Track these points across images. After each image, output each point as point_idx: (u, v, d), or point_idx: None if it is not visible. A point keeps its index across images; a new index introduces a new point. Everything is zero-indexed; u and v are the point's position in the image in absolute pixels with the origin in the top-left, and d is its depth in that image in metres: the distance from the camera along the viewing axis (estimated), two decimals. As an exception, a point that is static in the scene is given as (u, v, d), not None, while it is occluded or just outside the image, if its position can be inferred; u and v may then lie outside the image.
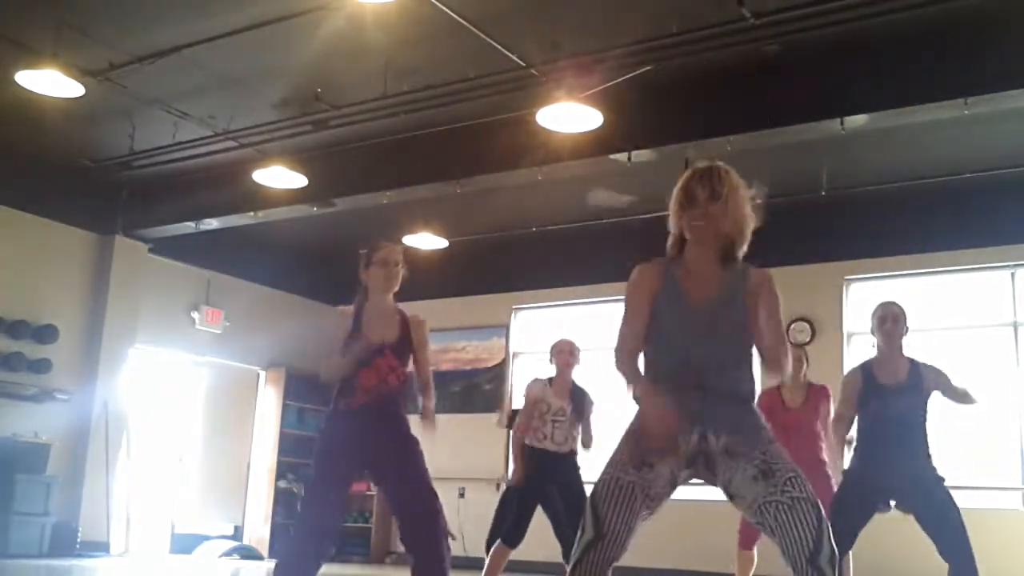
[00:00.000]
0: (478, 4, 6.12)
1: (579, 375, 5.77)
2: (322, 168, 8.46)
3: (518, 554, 5.78)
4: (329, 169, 8.55)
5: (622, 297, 2.67)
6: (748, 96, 6.81)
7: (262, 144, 8.36)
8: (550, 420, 5.54)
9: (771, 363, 2.57)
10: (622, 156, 7.34)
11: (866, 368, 4.44)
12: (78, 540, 8.87)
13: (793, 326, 9.28)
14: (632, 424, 2.57)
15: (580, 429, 5.66)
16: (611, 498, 2.43)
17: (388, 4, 5.87)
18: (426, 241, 9.81)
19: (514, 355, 10.93)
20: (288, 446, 11.26)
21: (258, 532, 11.02)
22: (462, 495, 9.79)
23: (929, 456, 4.22)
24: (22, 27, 6.59)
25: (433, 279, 9.12)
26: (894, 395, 4.26)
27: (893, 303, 4.48)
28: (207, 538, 10.56)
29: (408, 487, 3.75)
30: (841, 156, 7.88)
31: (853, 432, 4.54)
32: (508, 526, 5.56)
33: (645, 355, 2.63)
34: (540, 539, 5.99)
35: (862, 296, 9.00)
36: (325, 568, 3.82)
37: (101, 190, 9.63)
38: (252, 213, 9.20)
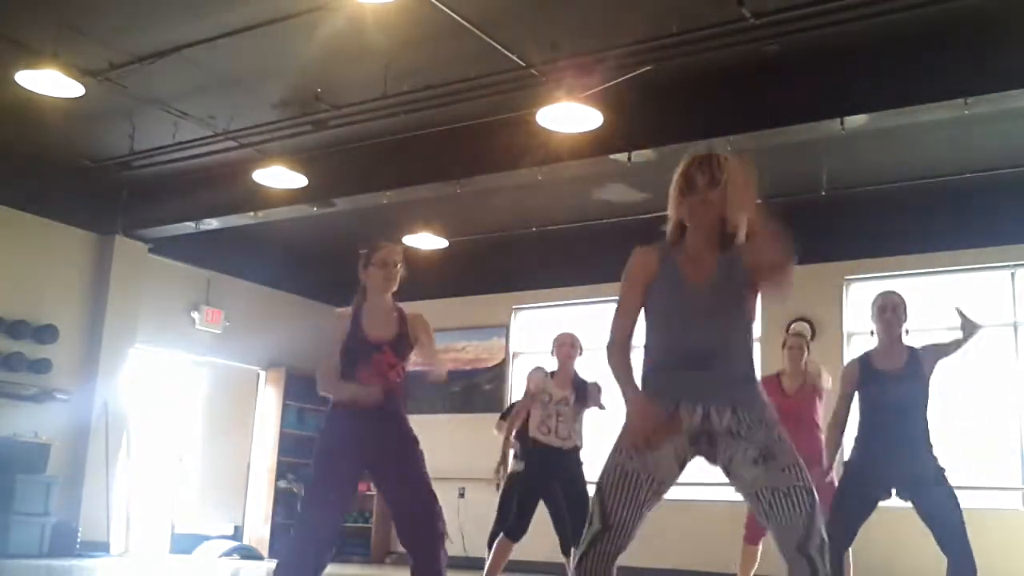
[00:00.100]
0: (478, 5, 6.13)
1: (582, 368, 5.76)
2: (322, 168, 8.46)
3: (519, 554, 5.78)
4: (329, 169, 8.55)
5: (620, 288, 2.67)
6: (748, 96, 6.80)
7: (262, 144, 8.36)
8: (554, 412, 5.51)
9: (773, 275, 2.54)
10: (622, 156, 7.34)
11: (864, 358, 4.44)
12: (78, 540, 8.87)
13: (793, 326, 9.28)
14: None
15: (581, 422, 5.63)
16: (617, 488, 2.44)
17: (388, 4, 5.87)
18: (426, 241, 9.81)
19: (514, 355, 10.93)
20: (288, 446, 11.26)
21: (258, 532, 11.02)
22: (462, 495, 9.79)
23: (931, 445, 4.19)
24: (22, 27, 6.59)
25: (433, 279, 9.13)
26: (892, 381, 4.26)
27: (893, 293, 4.49)
28: (207, 538, 10.56)
29: (408, 487, 3.75)
30: (841, 156, 7.88)
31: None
32: (511, 519, 5.55)
33: (645, 344, 2.62)
34: (540, 539, 6.00)
35: (862, 296, 9.00)
36: (326, 568, 3.80)
37: (101, 190, 9.63)
38: (252, 213, 9.20)
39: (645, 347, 2.62)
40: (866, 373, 4.35)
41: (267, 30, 6.41)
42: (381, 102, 7.42)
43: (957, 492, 4.12)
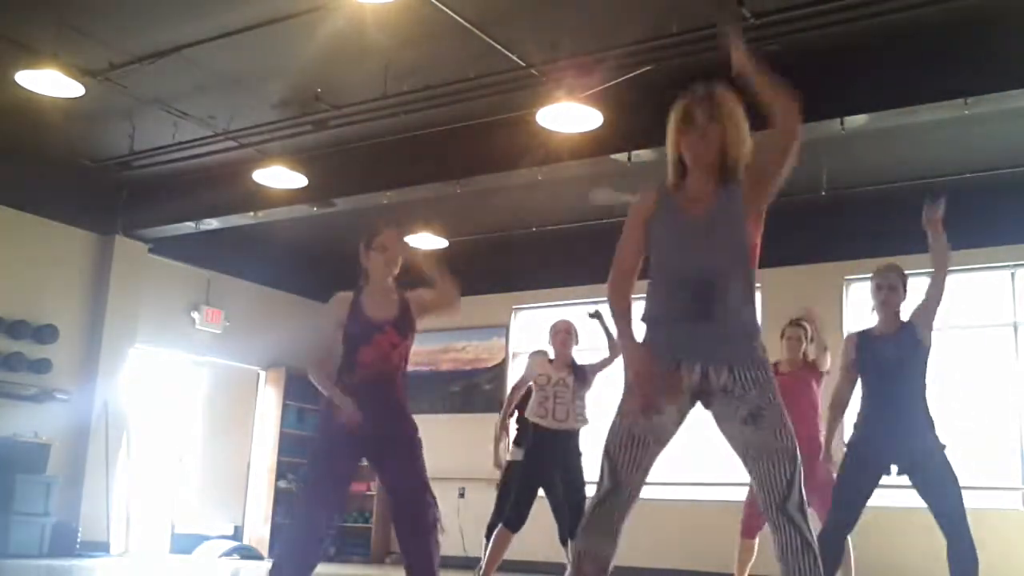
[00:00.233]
0: (478, 4, 6.13)
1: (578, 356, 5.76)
2: (322, 168, 8.46)
3: (518, 553, 5.78)
4: (329, 169, 8.55)
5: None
6: (748, 96, 6.79)
7: (262, 144, 8.36)
8: (551, 394, 5.50)
9: (784, 122, 2.60)
10: (622, 156, 7.34)
11: (862, 330, 4.51)
12: (78, 540, 8.88)
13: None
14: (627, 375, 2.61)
15: (584, 404, 5.62)
16: (626, 449, 2.49)
17: (388, 4, 5.87)
18: (426, 241, 9.81)
19: (514, 355, 10.92)
20: (288, 446, 11.26)
21: (258, 532, 11.02)
22: (462, 495, 9.79)
23: (931, 421, 4.18)
24: (22, 27, 6.60)
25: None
26: (888, 344, 4.30)
27: (891, 271, 4.54)
28: (207, 538, 10.56)
29: (403, 476, 3.76)
30: (841, 156, 7.87)
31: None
32: (510, 509, 5.53)
33: (647, 290, 2.64)
34: (540, 539, 6.00)
35: (862, 296, 8.99)
36: (326, 568, 3.81)
37: (101, 190, 9.63)
38: (252, 213, 9.20)
39: (647, 293, 2.64)
40: (863, 341, 4.41)
41: (267, 30, 6.41)
42: (381, 102, 7.42)
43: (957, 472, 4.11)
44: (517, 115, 7.31)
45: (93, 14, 6.46)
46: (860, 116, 6.61)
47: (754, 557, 5.84)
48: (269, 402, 11.45)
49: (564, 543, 5.60)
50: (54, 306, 9.37)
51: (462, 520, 9.15)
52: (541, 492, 5.64)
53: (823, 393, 5.65)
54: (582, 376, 5.59)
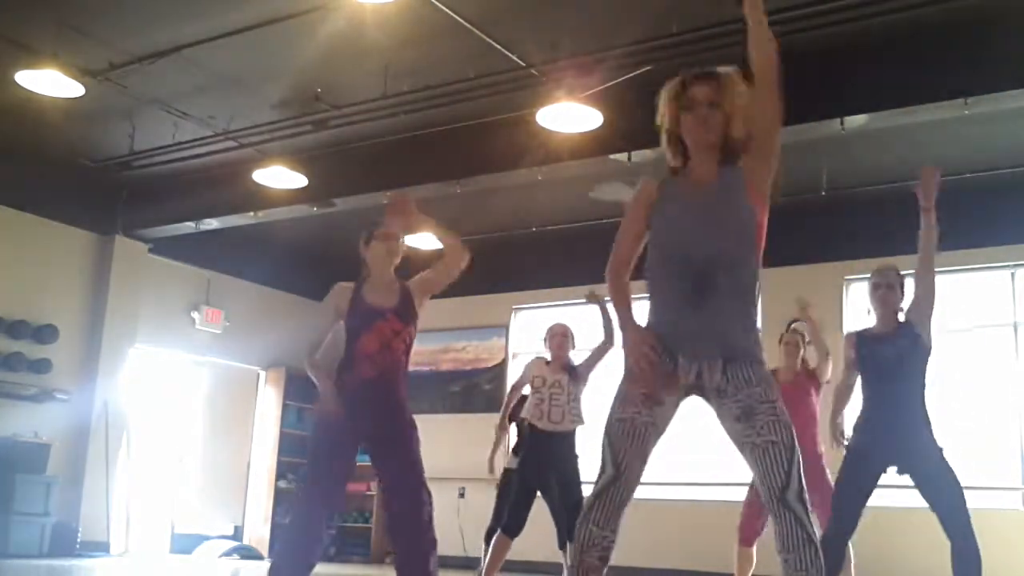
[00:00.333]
0: (478, 4, 6.13)
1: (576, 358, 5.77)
2: (322, 168, 8.46)
3: (519, 554, 5.77)
4: (329, 169, 8.55)
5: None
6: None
7: (262, 144, 8.36)
8: (547, 396, 5.50)
9: (762, 65, 2.55)
10: (622, 156, 7.35)
11: (862, 329, 4.51)
12: (78, 540, 8.88)
13: (793, 326, 9.26)
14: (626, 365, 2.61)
15: (580, 404, 5.62)
16: (627, 438, 2.49)
17: (388, 4, 5.88)
18: (426, 241, 9.80)
19: (514, 355, 10.92)
20: (288, 446, 11.26)
21: (258, 532, 11.02)
22: (462, 495, 9.79)
23: (929, 424, 4.18)
24: (22, 27, 6.60)
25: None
26: (885, 342, 4.30)
27: (889, 270, 4.56)
28: (207, 538, 10.56)
29: (399, 473, 3.76)
30: (841, 156, 7.88)
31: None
32: (507, 514, 5.53)
33: (647, 275, 2.62)
34: (540, 539, 6.00)
35: (862, 296, 8.99)
36: (326, 568, 3.82)
37: (101, 190, 9.63)
38: (252, 213, 9.20)
39: (648, 279, 2.63)
40: (862, 340, 4.41)
41: (267, 30, 6.41)
42: (381, 102, 7.42)
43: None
44: (517, 115, 7.31)
45: (93, 14, 6.46)
46: (860, 116, 6.61)
47: (753, 566, 5.85)
48: (269, 402, 11.45)
49: (563, 547, 5.60)
50: (54, 306, 9.37)
51: (462, 520, 9.16)
52: (540, 494, 5.64)
53: (822, 401, 5.66)
54: (576, 376, 5.59)
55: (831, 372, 5.69)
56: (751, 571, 5.89)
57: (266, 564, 4.24)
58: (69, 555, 8.67)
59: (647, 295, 2.63)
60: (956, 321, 8.73)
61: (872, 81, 6.45)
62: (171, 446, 10.78)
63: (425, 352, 10.86)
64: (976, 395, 8.50)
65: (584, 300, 5.98)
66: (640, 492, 2.57)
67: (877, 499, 4.30)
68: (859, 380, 4.45)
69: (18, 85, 6.58)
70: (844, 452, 4.37)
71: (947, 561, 3.99)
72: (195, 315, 10.65)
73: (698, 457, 8.57)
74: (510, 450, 6.34)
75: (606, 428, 2.53)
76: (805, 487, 2.41)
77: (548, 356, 5.67)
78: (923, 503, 4.13)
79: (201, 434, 10.99)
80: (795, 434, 2.48)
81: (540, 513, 5.68)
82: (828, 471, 5.37)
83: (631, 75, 6.63)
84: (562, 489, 5.49)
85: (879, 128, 6.96)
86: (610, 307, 5.52)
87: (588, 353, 5.69)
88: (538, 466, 5.50)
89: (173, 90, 7.58)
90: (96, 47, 6.79)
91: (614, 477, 2.47)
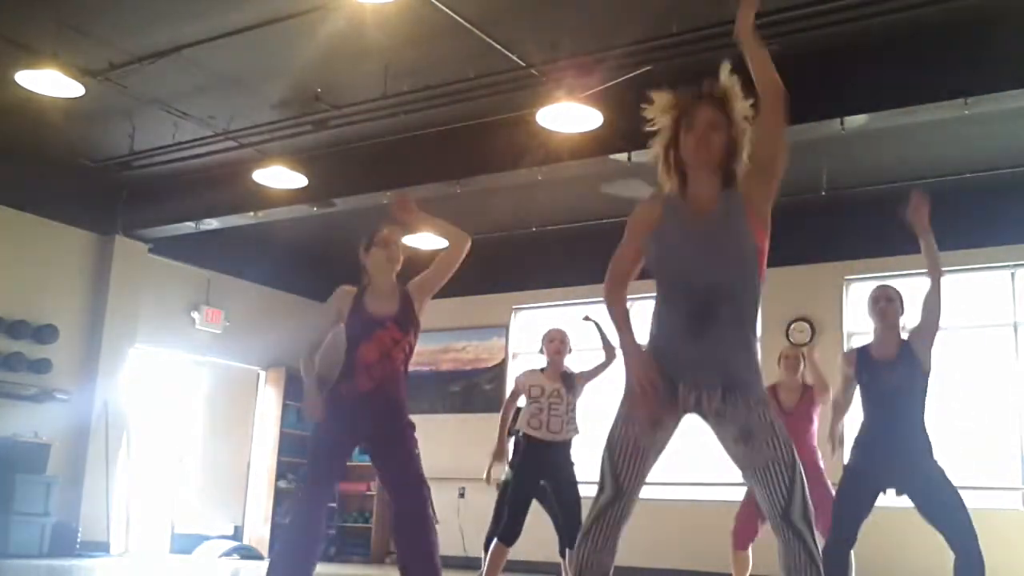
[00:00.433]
0: (478, 4, 6.13)
1: (572, 365, 5.75)
2: (322, 168, 8.46)
3: (519, 554, 5.77)
4: (329, 169, 8.55)
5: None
6: (748, 96, 6.79)
7: (262, 144, 8.36)
8: (546, 405, 5.47)
9: (768, 92, 2.58)
10: (622, 156, 7.34)
11: (862, 348, 4.46)
12: (78, 540, 8.88)
13: (793, 326, 9.28)
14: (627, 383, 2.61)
15: (576, 415, 5.61)
16: (626, 455, 2.49)
17: (388, 4, 5.88)
18: (426, 241, 9.81)
19: (514, 355, 10.93)
20: (288, 446, 11.26)
21: (258, 532, 11.02)
22: (462, 495, 9.79)
23: (929, 446, 4.18)
24: (22, 27, 6.59)
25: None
26: (886, 369, 4.25)
27: (888, 286, 4.53)
28: (207, 538, 10.56)
29: (400, 472, 3.78)
30: (841, 156, 7.88)
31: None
32: (504, 523, 5.53)
33: (656, 296, 2.61)
34: (540, 539, 5.99)
35: (862, 296, 8.98)
36: (326, 568, 3.83)
37: (101, 190, 9.63)
38: (252, 213, 9.20)
39: (653, 311, 2.62)
40: (863, 362, 4.37)
41: (267, 30, 6.41)
42: (381, 102, 7.42)
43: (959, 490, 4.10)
44: (517, 115, 7.31)
45: (93, 14, 6.46)
46: (860, 116, 6.61)
47: (749, 568, 5.85)
48: (269, 402, 11.45)
49: (563, 553, 5.60)
50: (54, 306, 9.36)
51: (462, 520, 9.16)
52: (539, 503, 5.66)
53: (821, 414, 5.68)
54: (573, 386, 5.57)
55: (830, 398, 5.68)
56: (747, 574, 5.90)
57: (266, 564, 4.25)
58: (69, 555, 8.67)
59: (652, 314, 2.62)
60: (956, 321, 8.73)
61: (872, 81, 6.45)
62: (171, 446, 10.78)
63: (425, 352, 10.85)
64: (976, 395, 8.50)
65: (583, 319, 5.96)
66: (640, 492, 2.58)
67: (879, 499, 4.29)
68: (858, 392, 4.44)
69: (18, 85, 6.58)
70: (843, 465, 4.37)
71: (948, 561, 4.00)
72: (195, 315, 10.65)
73: (698, 457, 8.57)
74: (508, 464, 6.32)
75: (606, 447, 2.53)
76: (810, 505, 2.39)
77: (544, 362, 5.66)
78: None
79: (201, 434, 10.99)
80: (796, 451, 2.48)
81: (540, 514, 5.68)
82: (829, 481, 5.37)
83: (631, 75, 6.63)
84: (560, 499, 5.48)
85: (879, 128, 6.96)
86: (607, 325, 5.60)
87: (588, 366, 5.66)
88: (534, 476, 5.49)
89: (173, 90, 7.58)
90: (96, 47, 6.79)
91: (614, 497, 2.47)
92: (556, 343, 5.62)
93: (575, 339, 5.80)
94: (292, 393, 11.30)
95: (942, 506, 4.03)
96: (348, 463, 4.10)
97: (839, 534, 4.18)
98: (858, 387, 4.42)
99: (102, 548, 9.24)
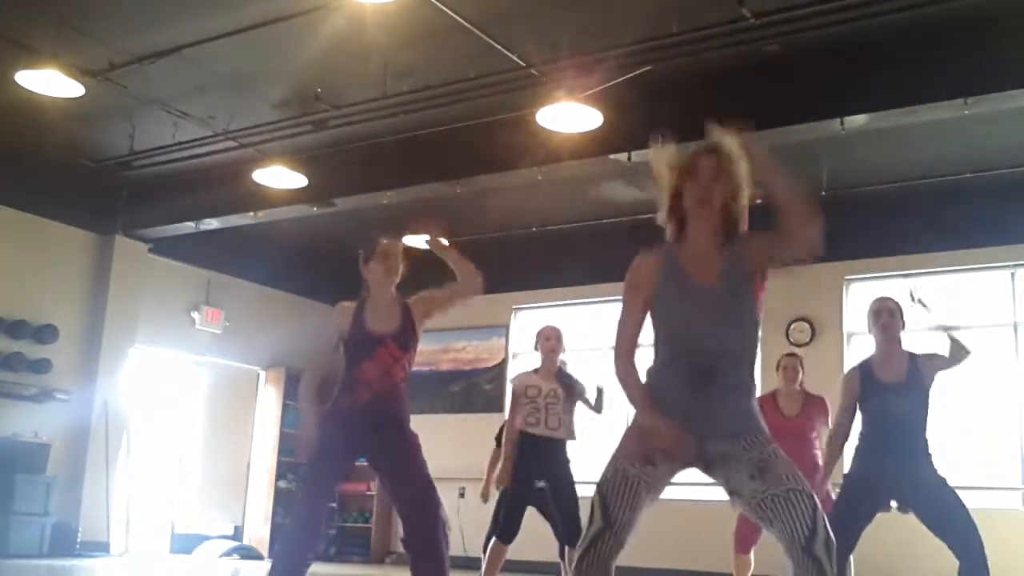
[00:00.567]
0: (478, 4, 6.13)
1: (570, 365, 5.75)
2: (322, 168, 8.46)
3: (518, 554, 5.77)
4: (329, 169, 8.55)
5: (622, 297, 2.66)
6: (748, 96, 6.80)
7: (262, 144, 8.36)
8: (543, 405, 5.47)
9: (797, 238, 2.49)
10: (622, 156, 7.34)
11: (865, 366, 4.37)
12: (78, 540, 8.88)
13: (793, 326, 9.28)
14: (635, 421, 2.57)
15: (573, 415, 5.61)
16: (619, 490, 2.46)
17: (388, 4, 5.87)
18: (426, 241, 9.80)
19: (514, 355, 10.93)
20: (288, 446, 11.23)
21: (258, 532, 11.02)
22: (462, 495, 9.78)
23: (930, 455, 4.18)
24: (22, 27, 6.59)
25: (433, 279, 9.12)
26: (895, 394, 4.20)
27: (888, 298, 4.41)
28: (207, 538, 10.56)
29: (407, 476, 3.76)
30: (841, 156, 7.88)
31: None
32: (501, 522, 5.53)
33: (655, 350, 2.61)
34: (540, 539, 5.99)
35: (862, 296, 9.00)
36: (326, 568, 3.83)
37: (101, 190, 9.63)
38: (252, 213, 9.20)
39: (654, 354, 2.62)
40: (867, 384, 4.29)
41: (267, 30, 6.41)
42: (381, 102, 7.42)
43: (957, 492, 4.10)
44: (517, 115, 7.30)
45: (93, 14, 6.46)
46: (860, 116, 6.61)
47: (751, 570, 5.85)
48: (269, 402, 11.45)
49: (562, 555, 5.60)
50: (54, 306, 9.36)
51: (462, 520, 9.15)
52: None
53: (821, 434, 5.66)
54: (570, 391, 5.58)
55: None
56: (749, 574, 5.90)
57: (266, 564, 4.25)
58: (69, 555, 8.67)
59: (652, 365, 2.61)
60: (956, 321, 8.72)
61: (872, 81, 6.45)
62: (171, 446, 10.78)
63: (425, 352, 10.84)
64: (976, 395, 8.50)
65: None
66: (634, 528, 2.53)
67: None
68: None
69: (18, 85, 6.58)
70: (844, 473, 4.36)
71: (948, 561, 4.00)
72: (195, 315, 10.65)
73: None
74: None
75: (599, 483, 2.51)
76: (832, 536, 2.35)
77: (538, 360, 5.66)
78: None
79: (201, 434, 10.98)
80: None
81: (539, 514, 5.68)
82: (830, 483, 5.36)
83: (631, 75, 6.63)
84: (557, 499, 5.47)
85: (879, 128, 6.95)
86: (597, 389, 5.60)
87: (586, 395, 5.68)
88: (532, 472, 5.48)
89: (173, 90, 7.58)
90: (96, 47, 6.79)
91: (603, 529, 2.44)
92: (552, 341, 5.62)
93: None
94: (292, 393, 11.28)
95: (949, 522, 4.01)
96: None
97: (838, 539, 4.16)
98: (860, 407, 4.36)
99: (102, 548, 9.24)
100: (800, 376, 5.85)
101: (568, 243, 10.09)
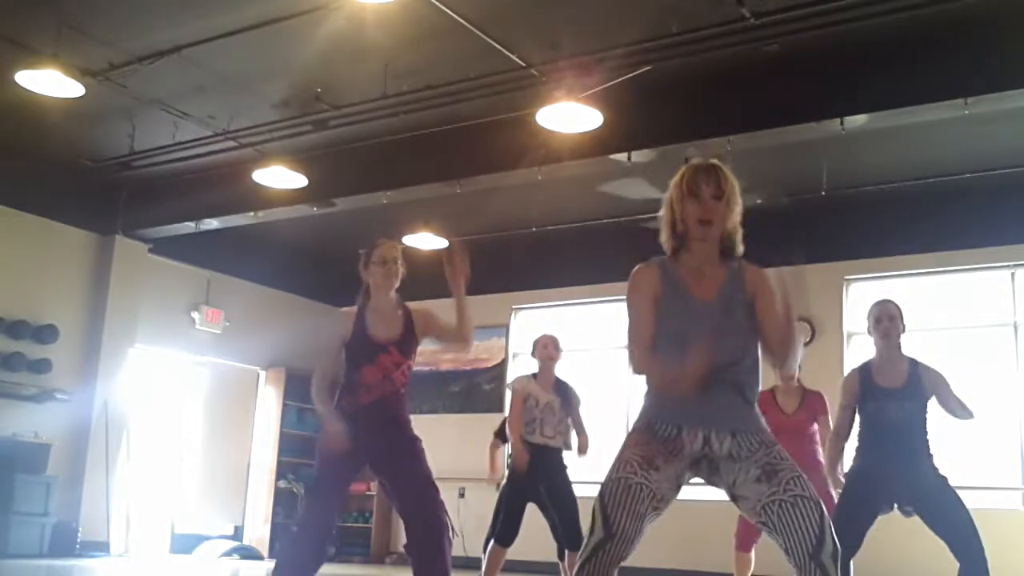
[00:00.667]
0: (478, 4, 6.13)
1: (563, 371, 5.78)
2: (322, 168, 8.46)
3: (518, 554, 5.78)
4: (329, 169, 8.55)
5: (622, 297, 2.66)
6: (748, 96, 6.80)
7: (262, 144, 8.36)
8: (539, 415, 5.53)
9: (776, 357, 2.59)
10: (622, 156, 7.34)
11: (865, 370, 4.36)
12: (78, 540, 8.87)
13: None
14: (637, 424, 2.57)
15: (569, 425, 5.64)
16: (619, 498, 2.43)
17: (388, 4, 5.87)
18: (426, 241, 9.81)
19: (514, 355, 10.92)
20: (288, 446, 11.26)
21: (258, 532, 11.02)
22: (462, 495, 9.80)
23: (930, 456, 4.18)
24: (22, 27, 6.59)
25: (433, 279, 9.11)
26: (894, 399, 4.19)
27: (888, 301, 4.40)
28: (207, 538, 10.56)
29: (409, 479, 3.75)
30: (841, 156, 7.88)
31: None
32: (500, 525, 5.55)
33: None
34: (539, 539, 6.00)
35: (862, 296, 9.00)
36: (326, 568, 3.82)
37: (101, 190, 9.63)
38: (252, 213, 9.20)
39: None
40: (866, 388, 4.28)
41: (267, 30, 6.41)
42: (381, 102, 7.42)
43: (960, 494, 4.09)
44: (517, 115, 7.31)
45: (93, 14, 6.46)
46: (860, 116, 6.61)
47: (751, 569, 5.85)
48: (269, 402, 11.45)
49: (561, 557, 5.62)
50: (54, 306, 9.36)
51: (462, 520, 9.15)
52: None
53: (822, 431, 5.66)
54: (567, 401, 5.62)
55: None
56: (750, 573, 5.89)
57: (266, 564, 4.24)
58: (69, 555, 8.67)
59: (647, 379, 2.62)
60: (956, 321, 8.73)
61: (872, 81, 6.45)
62: (171, 446, 10.78)
63: (425, 352, 10.72)
64: (976, 395, 8.47)
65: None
66: (637, 538, 2.49)
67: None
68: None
69: (18, 85, 6.57)
70: (844, 473, 4.35)
71: (948, 561, 4.00)
72: (195, 315, 10.65)
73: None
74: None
75: (600, 492, 2.49)
76: (838, 544, 2.35)
77: (535, 367, 5.68)
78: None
79: (201, 434, 10.98)
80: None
81: (539, 514, 5.68)
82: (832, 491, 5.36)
83: (631, 75, 6.63)
84: (556, 504, 5.50)
85: (879, 128, 6.95)
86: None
87: (580, 417, 5.71)
88: (529, 477, 5.50)
89: (173, 90, 7.57)
90: (96, 47, 6.79)
91: (604, 539, 2.42)
92: (550, 349, 5.67)
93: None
94: (292, 393, 11.30)
95: (948, 522, 4.01)
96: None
97: (841, 542, 4.15)
98: (859, 411, 4.36)
99: (102, 548, 9.24)
100: (797, 373, 5.86)
101: (568, 243, 10.09)
